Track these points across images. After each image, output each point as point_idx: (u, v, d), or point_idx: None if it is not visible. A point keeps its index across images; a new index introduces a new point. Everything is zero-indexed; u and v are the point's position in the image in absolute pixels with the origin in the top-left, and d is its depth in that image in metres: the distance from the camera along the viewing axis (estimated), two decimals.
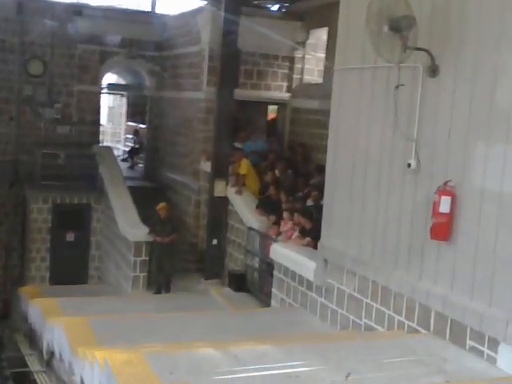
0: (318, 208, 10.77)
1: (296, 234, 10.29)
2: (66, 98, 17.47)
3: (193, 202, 15.13)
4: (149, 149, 19.22)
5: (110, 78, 21.51)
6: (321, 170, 13.19)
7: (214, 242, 13.22)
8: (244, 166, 13.04)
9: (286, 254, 9.63)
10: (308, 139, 14.71)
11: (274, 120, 16.31)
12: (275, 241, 10.81)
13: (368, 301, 7.78)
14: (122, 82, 23.07)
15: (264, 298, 11.31)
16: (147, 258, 12.68)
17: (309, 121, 14.74)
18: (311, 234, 10.04)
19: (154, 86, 18.52)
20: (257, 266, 11.87)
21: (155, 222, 12.69)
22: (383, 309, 7.50)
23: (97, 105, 18.24)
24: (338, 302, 8.38)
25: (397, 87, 6.90)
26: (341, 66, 8.39)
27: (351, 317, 8.11)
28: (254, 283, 11.90)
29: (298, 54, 15.33)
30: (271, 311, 9.38)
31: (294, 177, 13.02)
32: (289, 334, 7.81)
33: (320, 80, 14.87)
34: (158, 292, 12.67)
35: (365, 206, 7.85)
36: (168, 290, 12.73)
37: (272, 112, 16.36)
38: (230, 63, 13.06)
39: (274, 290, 10.12)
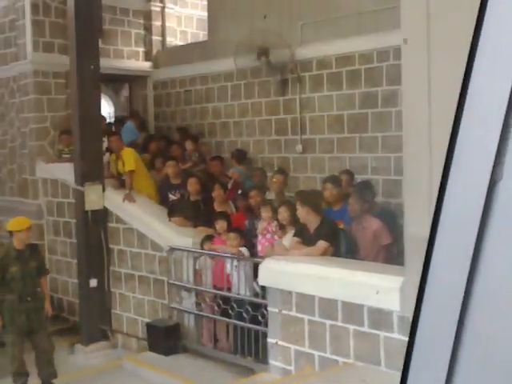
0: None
1: (294, 239, 6.10)
2: None
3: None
4: None
5: None
6: (240, 156, 9.11)
7: (93, 283, 8.33)
8: (129, 159, 8.36)
9: (308, 272, 5.45)
10: (187, 120, 10.46)
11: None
12: (238, 258, 6.50)
13: None
14: None
15: (227, 357, 6.87)
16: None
17: (186, 95, 10.49)
18: (322, 237, 5.97)
19: None
20: (193, 306, 7.34)
21: (4, 260, 6.68)
22: None
23: None
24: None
25: None
26: None
27: None
28: (193, 336, 7.35)
29: (156, 7, 11.00)
30: (323, 381, 5.04)
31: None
32: None
33: (200, 38, 10.79)
34: None
35: None
36: None
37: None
38: (88, 7, 8.34)
39: (271, 340, 5.87)
